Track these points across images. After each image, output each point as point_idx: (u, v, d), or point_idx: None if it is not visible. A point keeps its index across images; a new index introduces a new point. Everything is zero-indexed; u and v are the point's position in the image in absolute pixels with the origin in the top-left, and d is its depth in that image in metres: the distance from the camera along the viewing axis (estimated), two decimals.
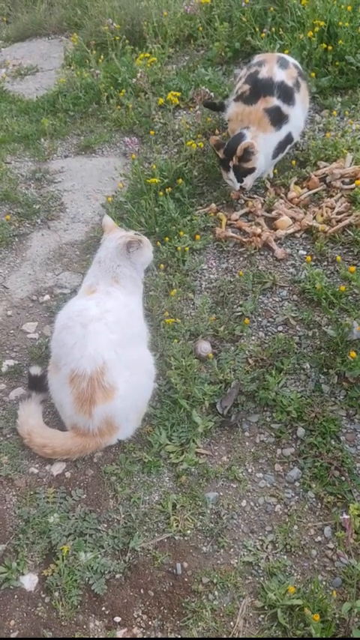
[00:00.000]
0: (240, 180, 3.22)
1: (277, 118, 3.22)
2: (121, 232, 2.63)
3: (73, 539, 2.18)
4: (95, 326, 2.29)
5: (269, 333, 2.78)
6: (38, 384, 2.55)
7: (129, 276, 2.58)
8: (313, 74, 3.89)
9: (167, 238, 3.24)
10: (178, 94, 4.02)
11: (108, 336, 2.29)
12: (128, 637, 1.98)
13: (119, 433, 2.38)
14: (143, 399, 2.46)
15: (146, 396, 2.48)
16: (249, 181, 3.25)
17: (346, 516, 1.90)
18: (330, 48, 3.89)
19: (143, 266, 2.67)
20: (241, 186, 3.25)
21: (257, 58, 3.50)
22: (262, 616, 1.99)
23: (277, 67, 3.28)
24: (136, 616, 2.03)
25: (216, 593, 2.06)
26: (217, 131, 3.80)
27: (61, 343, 2.38)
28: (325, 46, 3.90)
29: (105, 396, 2.24)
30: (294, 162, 3.47)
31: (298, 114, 3.35)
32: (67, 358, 2.30)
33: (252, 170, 3.20)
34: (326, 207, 3.16)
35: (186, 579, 2.09)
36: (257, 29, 4.35)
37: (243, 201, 3.41)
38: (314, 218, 3.14)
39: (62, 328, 2.40)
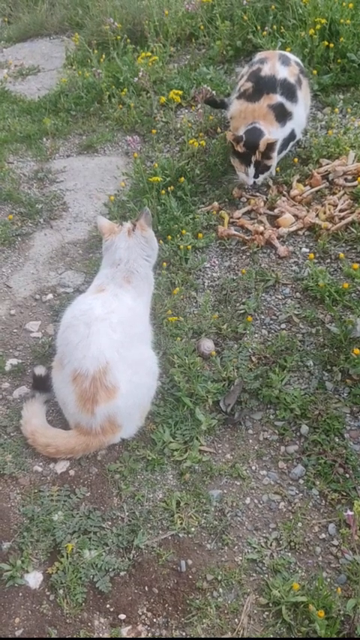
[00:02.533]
0: (256, 176, 3.22)
1: (282, 115, 3.22)
2: (124, 228, 2.62)
3: (78, 537, 2.18)
4: (99, 326, 2.29)
5: (272, 331, 2.77)
6: (42, 384, 2.56)
7: (143, 274, 2.58)
8: (314, 72, 3.89)
9: (170, 237, 3.24)
10: (180, 92, 4.02)
11: (111, 336, 2.29)
12: (133, 636, 1.98)
13: (122, 432, 2.39)
14: (146, 399, 2.47)
15: (149, 396, 2.48)
16: (262, 178, 3.27)
17: (350, 513, 1.90)
18: (332, 45, 3.89)
19: (154, 253, 2.66)
20: (254, 182, 3.25)
21: (259, 55, 3.50)
22: (266, 613, 1.99)
23: (280, 64, 3.28)
24: (140, 613, 2.03)
25: (220, 590, 2.06)
26: (219, 129, 3.80)
27: (65, 341, 2.39)
28: (326, 43, 3.90)
29: (107, 396, 2.24)
30: (296, 159, 3.46)
31: (300, 111, 3.36)
32: (71, 357, 2.31)
33: (269, 168, 3.22)
34: (329, 204, 3.16)
35: (190, 576, 2.09)
36: (258, 27, 4.35)
37: (245, 199, 3.41)
38: (317, 216, 3.13)
39: (67, 326, 2.41)
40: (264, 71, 3.26)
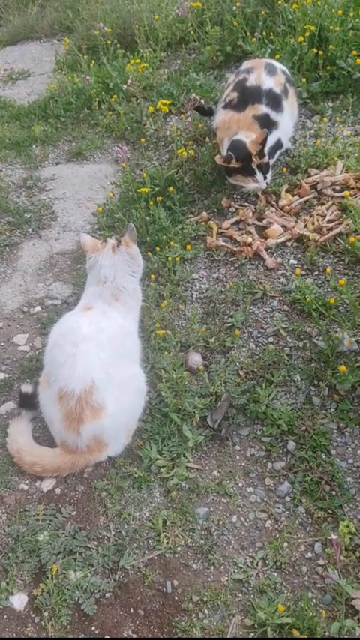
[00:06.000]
0: (265, 178, 3.22)
1: (267, 125, 3.21)
2: (108, 245, 2.60)
3: (63, 557, 2.17)
4: (86, 345, 2.28)
5: (260, 345, 2.76)
6: (29, 402, 2.54)
7: (131, 289, 2.57)
8: (304, 79, 3.87)
9: (158, 248, 3.22)
10: (168, 102, 4.00)
11: (98, 356, 2.28)
12: (127, 637, 1.98)
13: (109, 450, 2.37)
14: (133, 417, 2.46)
15: (136, 414, 2.47)
16: (270, 177, 3.27)
17: (334, 537, 1.89)
18: (321, 53, 3.86)
19: (140, 269, 2.65)
20: (267, 184, 3.26)
21: (245, 64, 3.48)
22: (252, 634, 1.98)
23: (265, 74, 3.27)
24: (126, 635, 2.02)
25: (206, 611, 2.05)
26: (207, 139, 3.78)
27: (52, 360, 2.38)
28: (316, 50, 3.87)
29: (93, 415, 2.23)
30: (285, 169, 3.45)
31: (286, 120, 3.35)
32: (57, 376, 2.29)
33: (269, 163, 3.22)
34: (317, 215, 3.15)
35: (176, 598, 2.09)
36: (248, 33, 4.33)
37: (234, 209, 3.39)
38: (305, 226, 3.12)
39: (54, 345, 2.39)
40: (250, 81, 3.25)
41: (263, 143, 3.08)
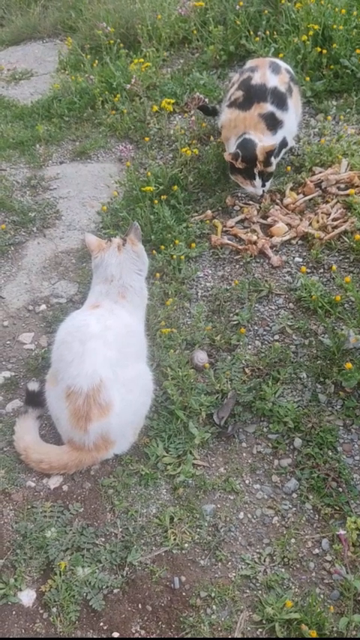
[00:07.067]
0: (263, 185, 3.23)
1: (272, 123, 3.22)
2: (114, 244, 2.61)
3: (71, 554, 2.18)
4: (94, 344, 2.28)
5: (265, 342, 2.77)
6: (35, 400, 2.55)
7: (138, 288, 2.58)
8: (307, 78, 3.88)
9: (163, 246, 3.23)
10: (172, 100, 4.00)
11: (106, 354, 2.29)
12: (126, 637, 1.98)
13: (115, 448, 2.38)
14: (140, 416, 2.47)
15: (143, 413, 2.48)
16: (269, 185, 3.28)
17: (342, 532, 1.89)
18: (324, 51, 3.87)
19: (145, 267, 2.66)
20: (263, 191, 3.27)
21: (249, 63, 3.49)
22: (259, 630, 1.99)
23: (270, 72, 3.27)
24: (134, 631, 2.03)
25: (214, 607, 2.06)
26: (211, 137, 3.79)
27: (59, 358, 2.38)
28: (319, 49, 3.88)
29: (101, 413, 2.24)
30: (289, 167, 3.46)
31: (291, 119, 3.36)
32: (65, 374, 2.30)
33: (272, 173, 3.23)
34: (322, 213, 3.16)
35: (184, 593, 2.09)
36: (251, 32, 4.34)
37: (238, 208, 3.40)
38: (310, 224, 3.13)
39: (61, 343, 2.40)
40: (254, 80, 3.26)
41: (270, 153, 3.09)
